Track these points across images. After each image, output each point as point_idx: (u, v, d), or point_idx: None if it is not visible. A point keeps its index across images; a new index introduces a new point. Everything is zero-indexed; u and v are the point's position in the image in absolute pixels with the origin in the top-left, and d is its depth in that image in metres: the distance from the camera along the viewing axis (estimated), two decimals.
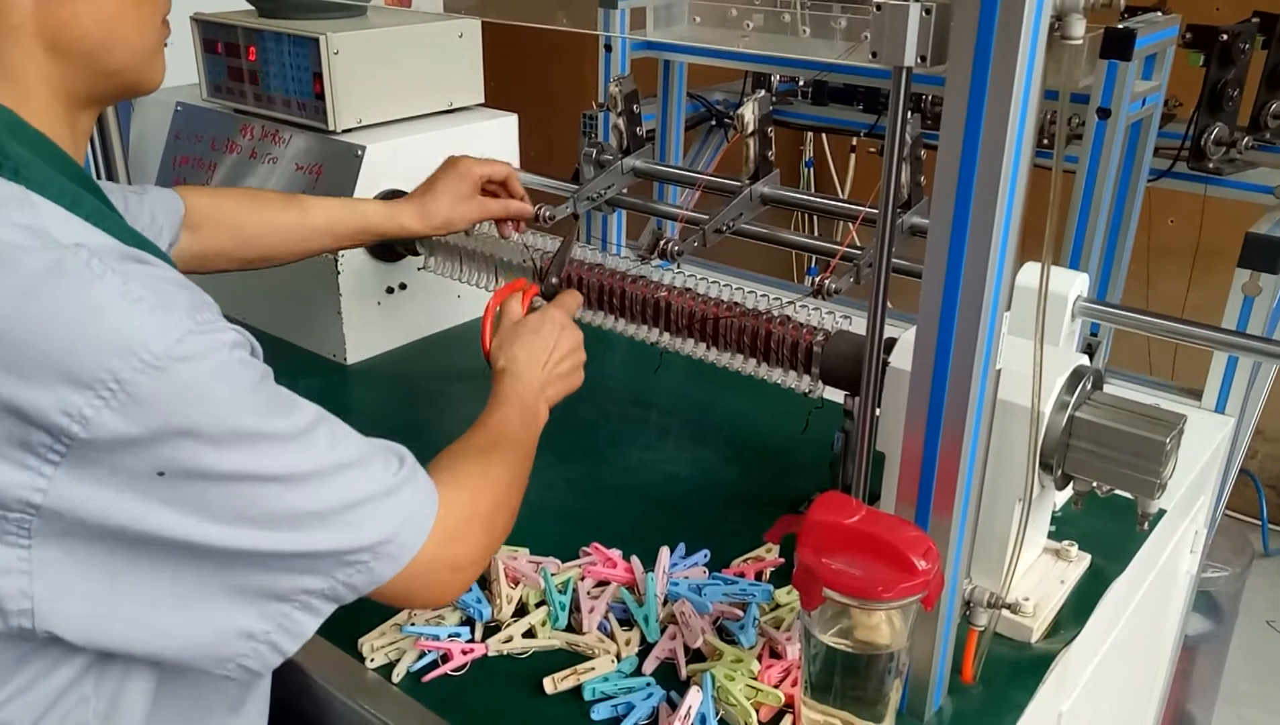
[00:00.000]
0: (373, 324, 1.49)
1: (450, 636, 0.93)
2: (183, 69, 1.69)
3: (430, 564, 0.73)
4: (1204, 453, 1.28)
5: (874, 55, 0.73)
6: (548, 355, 1.03)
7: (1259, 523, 3.03)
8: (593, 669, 0.90)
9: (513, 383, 1.00)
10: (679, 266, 1.86)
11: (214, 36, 1.55)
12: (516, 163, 1.61)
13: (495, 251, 1.34)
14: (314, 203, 1.25)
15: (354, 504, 0.68)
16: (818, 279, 1.10)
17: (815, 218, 3.14)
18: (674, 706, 0.85)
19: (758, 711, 0.85)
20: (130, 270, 0.62)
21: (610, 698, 0.87)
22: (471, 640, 0.93)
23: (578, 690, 0.88)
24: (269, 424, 0.63)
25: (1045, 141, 1.62)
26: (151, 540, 0.61)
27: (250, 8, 1.55)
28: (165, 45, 0.82)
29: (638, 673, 0.90)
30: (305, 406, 0.68)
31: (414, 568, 0.71)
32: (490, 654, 0.92)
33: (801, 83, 2.18)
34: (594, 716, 0.86)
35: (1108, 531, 1.08)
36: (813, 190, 3.43)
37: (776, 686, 0.87)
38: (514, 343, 1.04)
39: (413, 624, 0.94)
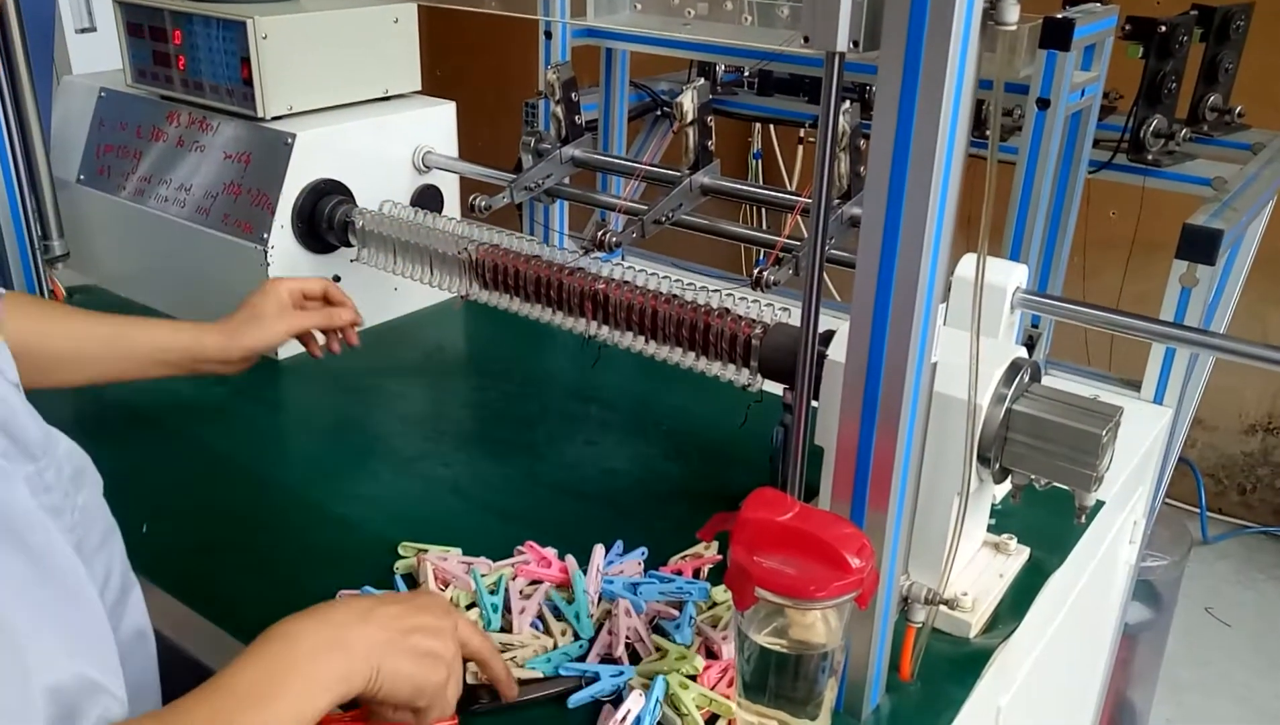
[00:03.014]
0: None
1: None
2: (107, 54, 1.63)
3: None
4: (1142, 443, 1.29)
5: (806, 40, 0.71)
6: (379, 610, 0.73)
7: (1198, 510, 3.08)
8: (514, 658, 0.87)
9: (280, 633, 0.69)
10: (624, 258, 1.84)
11: (138, 20, 1.50)
12: (454, 151, 1.57)
13: (430, 243, 1.30)
14: (122, 320, 1.14)
15: None
16: (756, 271, 1.09)
17: (764, 209, 3.14)
18: (615, 706, 0.83)
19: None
20: None
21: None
22: None
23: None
24: None
25: (987, 132, 1.62)
26: None
27: None
28: None
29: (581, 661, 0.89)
30: None
31: None
32: None
33: (747, 73, 2.16)
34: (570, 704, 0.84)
35: (1047, 524, 1.07)
36: (761, 181, 3.43)
37: (713, 688, 0.85)
38: (333, 606, 0.73)
39: None
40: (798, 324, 0.92)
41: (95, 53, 2.05)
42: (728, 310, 1.07)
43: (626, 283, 1.15)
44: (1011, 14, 0.66)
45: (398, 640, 0.72)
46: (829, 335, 0.91)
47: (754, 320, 1.05)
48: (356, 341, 1.30)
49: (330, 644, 0.69)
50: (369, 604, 0.74)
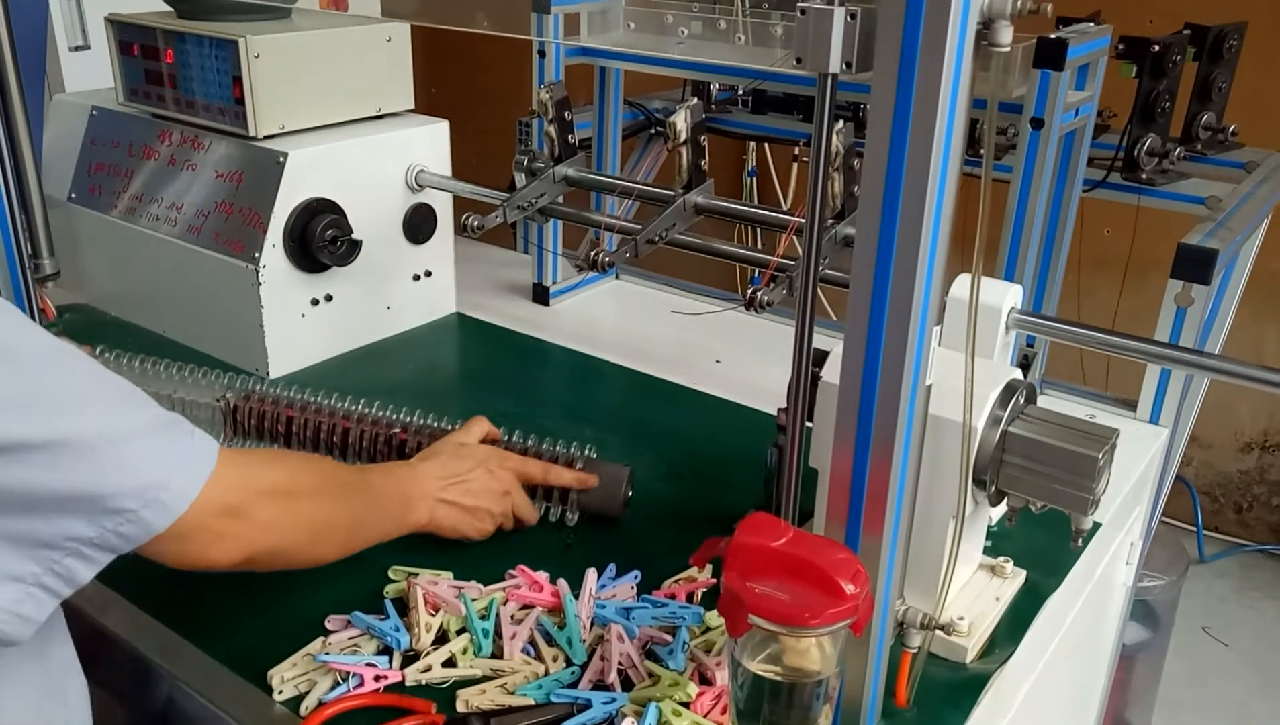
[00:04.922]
0: (297, 337, 1.44)
1: (367, 665, 0.88)
2: (100, 72, 1.63)
3: (203, 510, 0.72)
4: (1139, 464, 1.28)
5: (798, 61, 0.70)
6: (457, 479, 1.02)
7: (1194, 529, 3.07)
8: (504, 685, 0.86)
9: (404, 469, 1.02)
10: (618, 276, 1.83)
11: (130, 39, 1.49)
12: (448, 170, 1.57)
13: (177, 392, 1.21)
14: None
15: (113, 441, 0.66)
16: (750, 291, 1.08)
17: (758, 228, 3.14)
18: None
19: None
20: None
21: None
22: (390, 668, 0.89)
23: None
24: None
25: (982, 151, 1.62)
26: None
27: (168, 9, 1.49)
28: None
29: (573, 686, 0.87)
30: (46, 339, 0.67)
31: (189, 517, 0.70)
32: (408, 683, 0.88)
33: (741, 91, 2.16)
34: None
35: (1044, 546, 1.06)
36: (756, 200, 3.43)
37: (707, 715, 0.84)
38: (437, 453, 1.05)
39: (326, 652, 0.89)
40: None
41: (88, 71, 2.03)
42: None
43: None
44: (1005, 36, 0.66)
45: (464, 514, 1.01)
46: (825, 355, 0.90)
47: None
48: None
49: (397, 491, 0.98)
50: (450, 478, 1.02)
